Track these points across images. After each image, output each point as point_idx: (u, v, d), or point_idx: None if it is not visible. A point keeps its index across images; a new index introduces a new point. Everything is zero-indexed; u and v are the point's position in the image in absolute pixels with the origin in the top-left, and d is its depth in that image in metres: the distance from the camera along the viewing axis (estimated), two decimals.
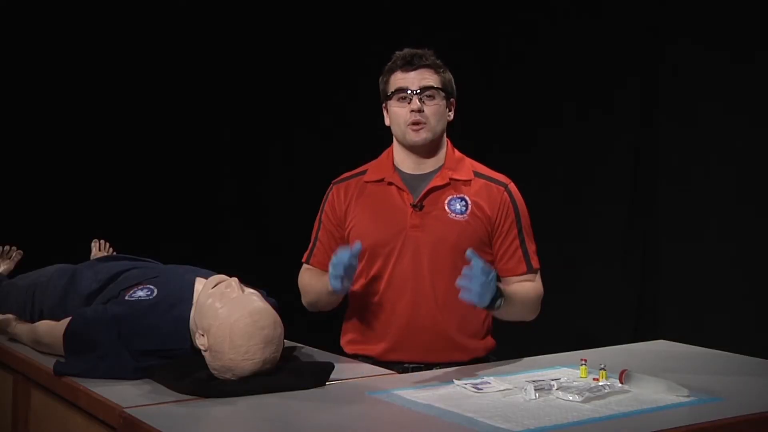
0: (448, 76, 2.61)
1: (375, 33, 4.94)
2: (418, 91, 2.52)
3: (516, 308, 2.44)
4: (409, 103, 2.53)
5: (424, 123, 2.53)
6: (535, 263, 2.59)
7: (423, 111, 2.52)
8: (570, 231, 4.56)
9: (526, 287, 2.55)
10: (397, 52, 2.61)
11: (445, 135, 2.63)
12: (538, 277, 2.61)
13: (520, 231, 2.57)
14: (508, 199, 2.58)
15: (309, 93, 5.15)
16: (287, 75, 5.16)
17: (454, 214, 2.54)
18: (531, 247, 2.59)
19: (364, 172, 2.66)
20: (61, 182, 4.60)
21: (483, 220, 2.55)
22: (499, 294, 2.28)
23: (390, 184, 2.59)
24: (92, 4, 4.64)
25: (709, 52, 3.98)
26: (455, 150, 2.65)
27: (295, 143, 5.21)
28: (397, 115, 2.56)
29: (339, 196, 2.65)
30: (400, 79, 2.56)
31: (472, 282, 2.21)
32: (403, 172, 2.61)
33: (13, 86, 4.49)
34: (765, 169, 3.80)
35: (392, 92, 2.56)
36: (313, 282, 2.63)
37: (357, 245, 2.38)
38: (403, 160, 2.61)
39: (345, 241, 2.61)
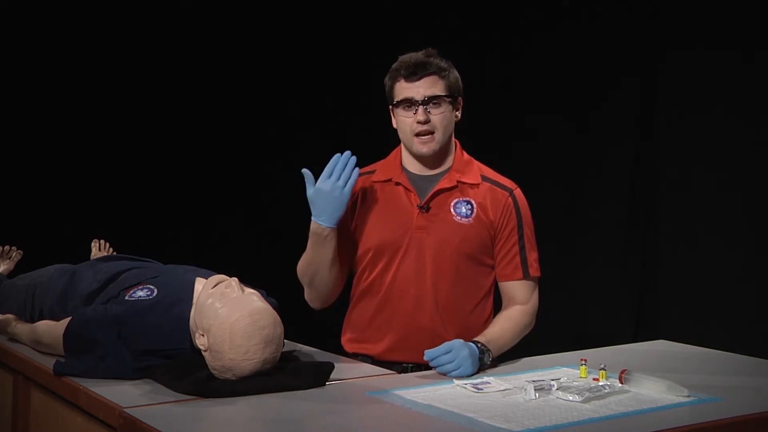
0: (454, 75, 2.55)
1: (376, 33, 4.95)
2: (424, 100, 2.49)
3: (507, 344, 2.47)
4: (415, 114, 2.50)
5: (432, 133, 2.50)
6: (534, 271, 2.56)
7: (429, 121, 2.50)
8: (570, 231, 4.55)
9: (512, 318, 2.52)
10: (401, 57, 2.56)
11: (453, 137, 2.60)
12: (535, 288, 2.58)
13: (521, 237, 2.55)
14: (512, 204, 2.56)
15: (309, 92, 5.15)
16: (287, 74, 5.16)
17: (459, 218, 2.53)
18: (532, 255, 2.57)
19: (372, 172, 2.64)
20: (61, 182, 4.61)
21: (486, 224, 2.54)
22: (483, 359, 2.31)
23: (397, 184, 2.58)
24: (93, 5, 4.64)
25: (709, 54, 3.98)
26: (464, 152, 2.63)
27: (296, 142, 5.21)
28: (403, 123, 2.53)
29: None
30: (405, 88, 2.51)
31: (455, 359, 2.24)
32: (411, 173, 2.59)
33: (13, 86, 4.49)
34: (764, 169, 3.80)
35: (398, 101, 2.53)
36: (307, 255, 2.56)
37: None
38: (410, 160, 2.60)
39: (351, 239, 2.60)
